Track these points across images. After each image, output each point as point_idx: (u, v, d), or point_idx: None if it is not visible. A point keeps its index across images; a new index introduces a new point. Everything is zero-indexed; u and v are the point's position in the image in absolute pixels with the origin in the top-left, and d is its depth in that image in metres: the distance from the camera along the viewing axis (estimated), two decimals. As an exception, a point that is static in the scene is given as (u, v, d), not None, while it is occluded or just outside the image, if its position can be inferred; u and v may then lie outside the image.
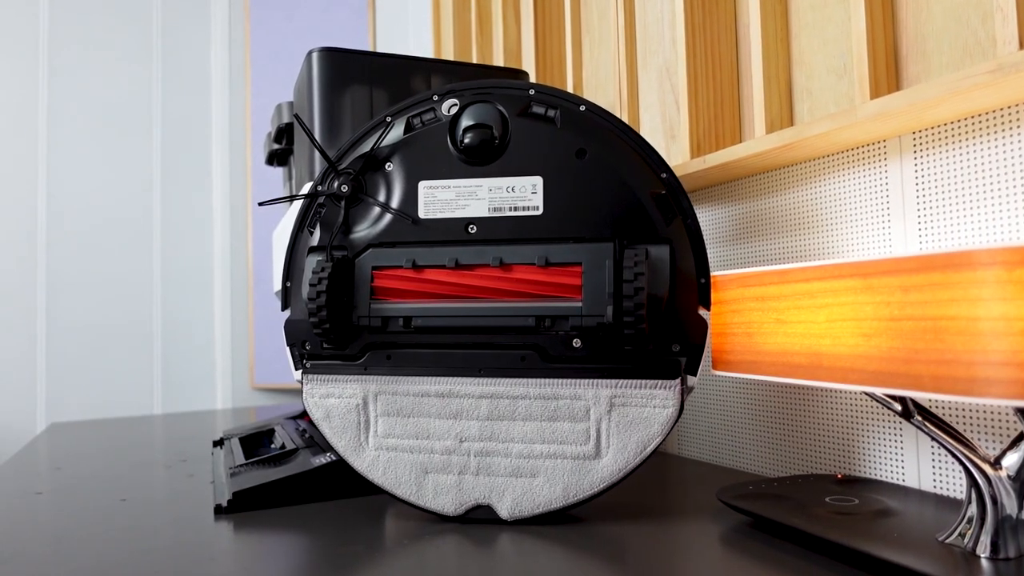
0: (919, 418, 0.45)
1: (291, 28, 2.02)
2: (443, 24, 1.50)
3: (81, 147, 1.99)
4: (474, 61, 1.32)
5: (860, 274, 0.43)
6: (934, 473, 0.56)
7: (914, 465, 0.57)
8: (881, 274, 0.41)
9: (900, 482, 0.59)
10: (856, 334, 0.43)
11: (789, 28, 0.70)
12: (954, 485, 0.54)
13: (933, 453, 0.56)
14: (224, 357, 2.04)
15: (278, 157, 1.00)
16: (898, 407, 0.45)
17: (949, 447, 0.43)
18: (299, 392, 2.08)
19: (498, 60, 1.25)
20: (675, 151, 0.86)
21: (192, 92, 2.12)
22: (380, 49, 1.91)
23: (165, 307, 2.05)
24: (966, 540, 0.42)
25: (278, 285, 0.83)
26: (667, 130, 0.87)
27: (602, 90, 1.01)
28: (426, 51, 1.64)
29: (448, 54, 1.47)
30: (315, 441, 0.74)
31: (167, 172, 2.08)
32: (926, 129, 0.56)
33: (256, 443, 0.87)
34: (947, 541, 0.43)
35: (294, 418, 0.92)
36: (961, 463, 0.43)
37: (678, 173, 0.73)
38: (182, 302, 2.08)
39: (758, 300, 0.51)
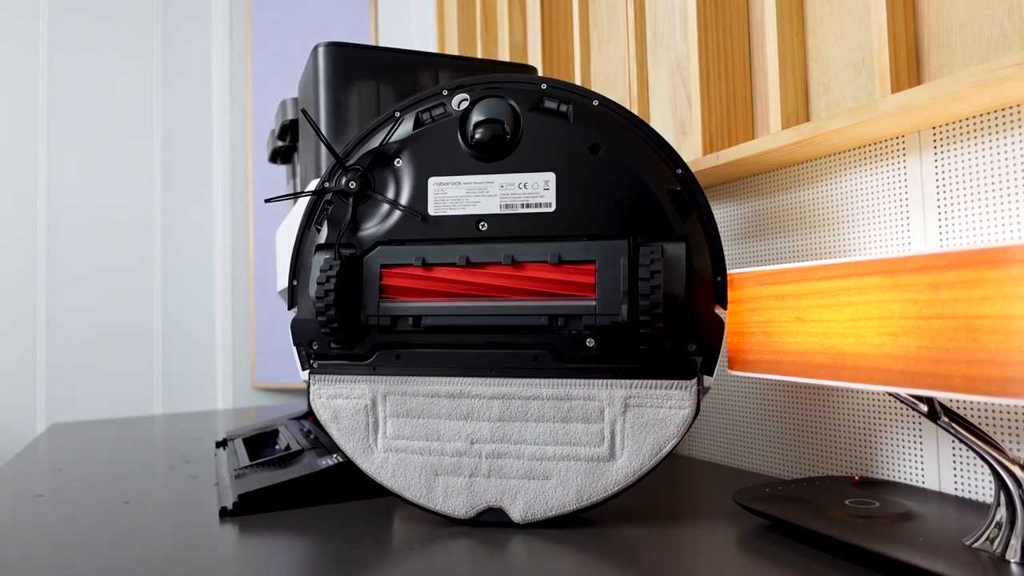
0: (946, 419, 0.43)
1: (292, 26, 2.01)
2: (447, 21, 1.49)
3: (81, 146, 1.98)
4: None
5: (886, 271, 0.42)
6: (955, 475, 0.55)
7: (934, 466, 0.56)
8: (909, 271, 0.40)
9: (920, 484, 0.58)
10: (882, 333, 0.42)
11: (805, 22, 0.69)
12: (976, 487, 0.53)
13: (954, 454, 0.55)
14: (225, 356, 2.03)
15: (282, 155, 0.99)
16: (924, 408, 0.44)
17: (978, 449, 0.42)
18: (301, 392, 2.07)
19: (504, 57, 1.24)
20: (686, 147, 0.84)
21: (193, 90, 2.11)
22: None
23: (166, 306, 2.04)
24: (995, 545, 0.41)
25: (282, 284, 0.82)
26: (678, 126, 0.86)
27: (611, 86, 0.99)
28: (429, 49, 1.62)
29: (452, 51, 1.46)
30: (320, 442, 0.73)
31: (168, 171, 2.07)
32: (947, 124, 0.55)
33: (260, 444, 0.86)
34: (974, 545, 0.42)
35: (298, 418, 0.91)
36: (990, 466, 0.42)
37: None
38: (183, 301, 2.06)
39: (777, 299, 0.50)
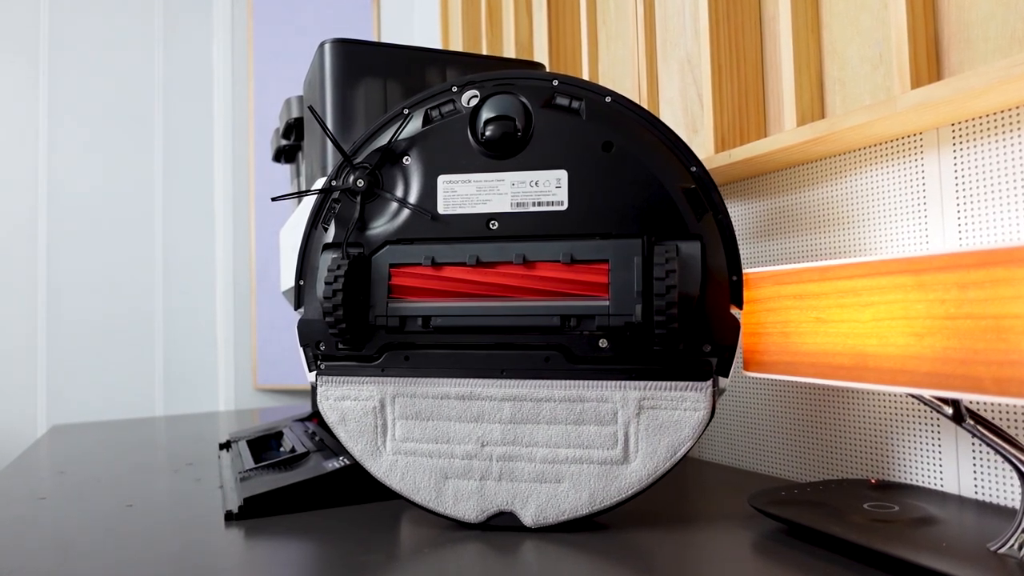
0: (971, 422, 0.42)
1: (295, 24, 2.00)
2: (451, 18, 1.48)
3: (82, 145, 1.97)
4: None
5: (911, 270, 0.41)
6: (975, 478, 0.54)
7: (954, 469, 0.55)
8: (935, 270, 0.39)
9: (938, 487, 0.57)
10: (906, 333, 0.41)
11: (820, 17, 0.68)
12: (997, 491, 0.52)
13: (974, 457, 0.54)
14: (227, 357, 2.02)
15: (286, 153, 0.98)
16: (948, 411, 0.43)
17: (1005, 453, 0.41)
18: (302, 393, 2.06)
19: (509, 54, 1.23)
20: (698, 145, 0.83)
21: (194, 89, 2.10)
22: (385, 46, 1.88)
23: (167, 307, 2.03)
24: (1023, 551, 0.40)
25: (286, 284, 0.81)
26: (689, 124, 0.85)
27: (620, 84, 0.98)
28: (433, 46, 1.61)
29: (456, 49, 1.44)
30: (325, 444, 0.72)
31: (169, 170, 2.06)
32: (966, 120, 0.54)
33: (264, 446, 0.85)
34: (1001, 551, 0.41)
35: (302, 420, 0.90)
36: (1017, 470, 0.41)
37: (701, 168, 0.71)
38: (184, 302, 2.05)
39: (795, 298, 0.49)
